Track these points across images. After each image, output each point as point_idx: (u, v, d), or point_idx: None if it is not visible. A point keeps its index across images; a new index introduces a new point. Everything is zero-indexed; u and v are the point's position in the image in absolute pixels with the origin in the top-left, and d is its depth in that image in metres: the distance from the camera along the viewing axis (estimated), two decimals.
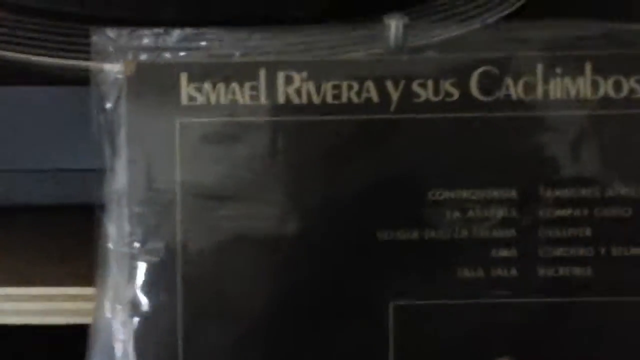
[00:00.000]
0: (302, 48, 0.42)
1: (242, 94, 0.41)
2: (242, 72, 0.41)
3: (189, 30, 0.42)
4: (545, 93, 0.42)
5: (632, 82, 0.41)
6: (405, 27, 0.42)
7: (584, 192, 0.42)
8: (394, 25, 0.42)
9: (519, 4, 0.48)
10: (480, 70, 0.41)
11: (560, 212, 0.42)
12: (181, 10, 0.42)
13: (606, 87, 0.41)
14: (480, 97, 0.42)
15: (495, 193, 0.42)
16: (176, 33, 0.42)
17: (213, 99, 0.41)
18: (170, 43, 0.42)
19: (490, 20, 0.44)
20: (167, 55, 0.41)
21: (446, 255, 0.42)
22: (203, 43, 0.42)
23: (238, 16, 0.43)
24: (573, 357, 0.42)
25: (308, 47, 0.42)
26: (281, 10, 0.43)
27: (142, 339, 0.42)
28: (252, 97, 0.41)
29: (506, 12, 0.47)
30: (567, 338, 0.42)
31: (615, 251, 0.42)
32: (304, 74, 0.41)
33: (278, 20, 0.43)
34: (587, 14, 0.43)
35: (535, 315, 0.42)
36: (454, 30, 0.43)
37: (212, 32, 0.42)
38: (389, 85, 0.41)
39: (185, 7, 0.42)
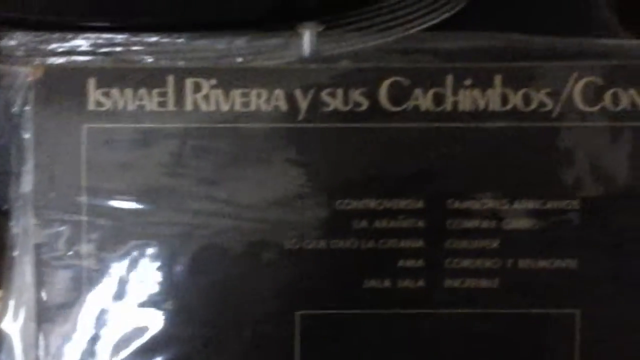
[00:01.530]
0: (213, 55, 0.42)
1: (150, 100, 0.41)
2: (151, 78, 0.41)
3: (98, 35, 0.41)
4: (455, 104, 0.42)
5: (542, 95, 0.42)
6: (319, 36, 0.42)
7: (492, 204, 0.42)
8: (307, 33, 0.42)
9: (442, 18, 0.48)
10: (389, 80, 0.41)
11: (468, 224, 0.42)
12: (94, 15, 0.42)
13: (515, 100, 0.41)
14: (390, 108, 0.42)
15: (402, 203, 0.42)
16: (85, 38, 0.41)
17: (120, 105, 0.41)
18: (79, 48, 0.41)
19: (409, 32, 0.44)
20: (76, 59, 0.41)
21: (353, 265, 0.42)
22: (112, 48, 0.41)
23: (153, 22, 0.42)
24: None
25: (219, 54, 0.42)
26: (198, 16, 0.43)
27: (46, 344, 0.41)
28: (160, 104, 0.41)
29: (427, 24, 0.47)
30: (473, 349, 0.42)
31: (522, 263, 0.42)
32: (213, 81, 0.41)
33: (194, 27, 0.42)
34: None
35: (442, 326, 0.42)
36: (367, 41, 0.43)
37: (121, 38, 0.41)
38: (298, 93, 0.41)
39: (98, 12, 0.42)
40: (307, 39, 0.42)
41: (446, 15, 0.48)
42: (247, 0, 0.43)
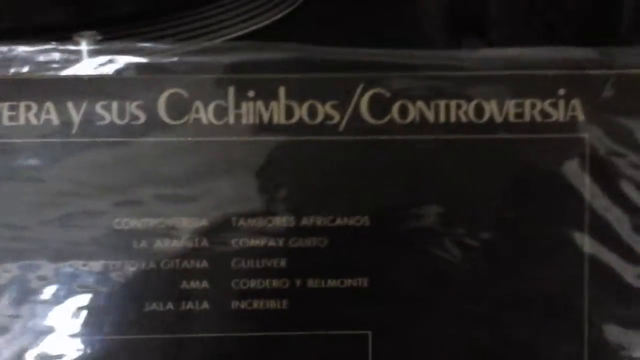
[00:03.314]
0: None
1: None
2: None
3: None
4: (238, 117, 0.40)
5: (328, 107, 0.40)
6: (97, 45, 0.40)
7: (278, 221, 0.40)
8: (84, 43, 0.40)
9: (240, 34, 0.47)
10: (168, 92, 0.40)
11: (254, 242, 0.40)
12: None
13: (301, 113, 0.40)
14: (169, 121, 0.40)
15: (185, 222, 0.40)
16: None
17: None
18: None
19: (197, 46, 0.42)
20: None
21: (134, 288, 0.40)
22: None
23: None
24: None
25: None
26: None
27: None
28: None
29: (221, 39, 0.45)
30: None
31: (312, 283, 0.40)
32: None
33: None
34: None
35: (230, 351, 0.40)
36: (149, 52, 0.41)
37: None
38: (70, 106, 0.39)
39: None
40: (83, 49, 0.40)
41: (246, 30, 0.47)
42: (20, 8, 0.40)
